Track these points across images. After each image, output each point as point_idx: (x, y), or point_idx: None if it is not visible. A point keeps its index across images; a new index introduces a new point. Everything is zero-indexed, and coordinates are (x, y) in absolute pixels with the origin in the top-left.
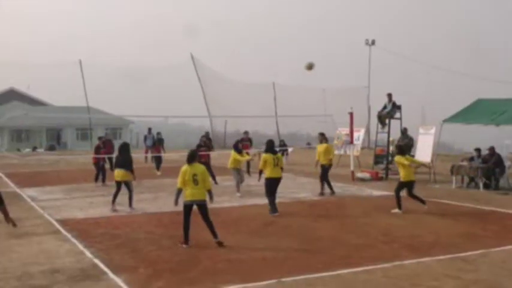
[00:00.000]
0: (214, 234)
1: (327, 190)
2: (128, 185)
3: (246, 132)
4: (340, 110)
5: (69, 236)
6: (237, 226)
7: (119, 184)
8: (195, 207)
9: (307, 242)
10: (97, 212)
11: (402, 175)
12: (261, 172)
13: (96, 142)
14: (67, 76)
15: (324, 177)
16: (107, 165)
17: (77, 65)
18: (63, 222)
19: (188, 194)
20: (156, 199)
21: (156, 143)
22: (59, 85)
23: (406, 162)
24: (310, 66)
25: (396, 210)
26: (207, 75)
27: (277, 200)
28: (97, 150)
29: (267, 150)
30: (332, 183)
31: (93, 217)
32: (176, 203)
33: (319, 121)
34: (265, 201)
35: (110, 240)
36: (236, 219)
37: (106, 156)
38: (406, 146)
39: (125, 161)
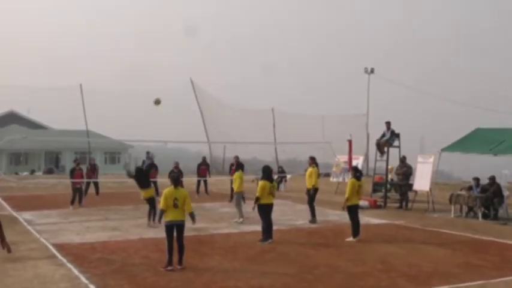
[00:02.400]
0: (180, 260)
1: (319, 217)
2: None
3: (236, 157)
4: (339, 137)
5: (64, 260)
6: (235, 252)
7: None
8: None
9: (304, 269)
10: (94, 236)
11: None
12: (257, 199)
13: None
14: (67, 100)
15: (308, 202)
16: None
17: (77, 89)
18: (59, 247)
19: (168, 215)
20: (153, 224)
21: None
22: (59, 109)
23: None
24: (157, 102)
25: (350, 239)
26: (206, 101)
27: (274, 228)
28: (73, 173)
29: (264, 178)
30: (330, 210)
31: (90, 242)
32: (160, 221)
33: (318, 148)
34: None
35: (106, 265)
36: (234, 246)
37: (92, 180)
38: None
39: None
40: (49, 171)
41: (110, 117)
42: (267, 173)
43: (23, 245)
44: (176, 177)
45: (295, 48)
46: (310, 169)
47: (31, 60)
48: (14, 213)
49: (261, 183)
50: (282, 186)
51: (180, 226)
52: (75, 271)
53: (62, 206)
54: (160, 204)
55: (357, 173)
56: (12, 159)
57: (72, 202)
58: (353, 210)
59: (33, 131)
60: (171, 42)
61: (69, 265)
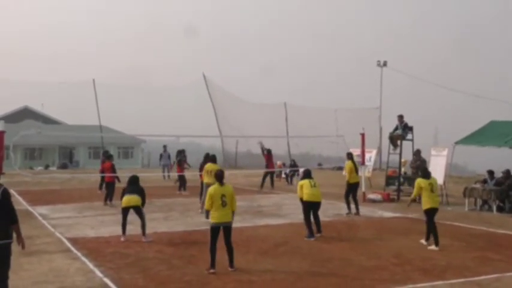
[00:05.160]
0: (231, 262)
1: (333, 211)
2: (139, 212)
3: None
4: (352, 131)
5: (79, 254)
6: (248, 247)
7: (126, 211)
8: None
9: (318, 263)
10: (108, 230)
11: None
12: (301, 200)
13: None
14: (80, 95)
15: (345, 195)
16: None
17: (91, 83)
18: (74, 241)
19: (215, 216)
20: (167, 218)
21: (177, 162)
22: (73, 104)
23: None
24: None
25: (433, 247)
26: (218, 95)
27: (287, 221)
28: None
29: (303, 177)
30: (343, 204)
31: (104, 236)
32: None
33: (331, 142)
34: (276, 221)
35: (120, 259)
36: (247, 240)
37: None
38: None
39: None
40: (63, 166)
41: (123, 112)
42: (306, 173)
43: (38, 239)
44: (221, 174)
45: (304, 42)
46: (346, 165)
47: (42, 54)
48: (29, 208)
49: (299, 182)
50: (294, 179)
51: (227, 228)
52: (90, 265)
53: (77, 201)
54: (205, 204)
55: (424, 173)
56: (27, 154)
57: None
58: (429, 214)
59: (47, 126)
60: (177, 38)
61: (83, 259)
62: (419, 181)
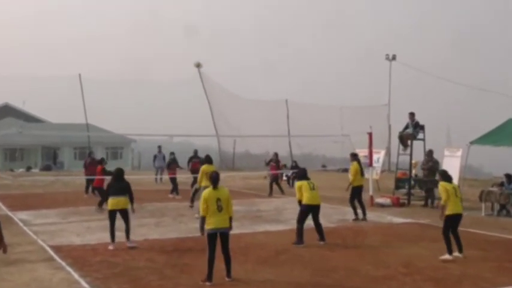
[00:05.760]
0: (229, 272)
1: (337, 216)
2: (125, 215)
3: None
4: (358, 130)
5: (63, 263)
6: (246, 255)
7: (114, 213)
8: None
9: (321, 273)
10: (95, 237)
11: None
12: (300, 202)
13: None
14: (65, 91)
15: (349, 200)
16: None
17: (76, 79)
18: (58, 249)
19: (211, 222)
20: (158, 224)
21: (171, 164)
22: (57, 101)
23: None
24: (198, 65)
25: (446, 257)
26: (215, 91)
27: (288, 228)
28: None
29: (300, 178)
30: (348, 209)
31: (90, 243)
32: (202, 233)
33: (336, 141)
34: (277, 227)
35: (108, 269)
36: (245, 247)
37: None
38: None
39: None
40: (46, 168)
41: (111, 110)
42: (302, 173)
43: (18, 247)
44: (216, 176)
45: (304, 35)
46: (351, 166)
47: (25, 50)
48: (9, 213)
49: (298, 183)
50: (295, 182)
51: (225, 234)
52: (75, 275)
53: (61, 205)
54: (200, 210)
55: (445, 175)
56: (7, 155)
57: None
58: (451, 221)
59: (29, 124)
60: (173, 33)
61: (68, 268)
62: (445, 184)
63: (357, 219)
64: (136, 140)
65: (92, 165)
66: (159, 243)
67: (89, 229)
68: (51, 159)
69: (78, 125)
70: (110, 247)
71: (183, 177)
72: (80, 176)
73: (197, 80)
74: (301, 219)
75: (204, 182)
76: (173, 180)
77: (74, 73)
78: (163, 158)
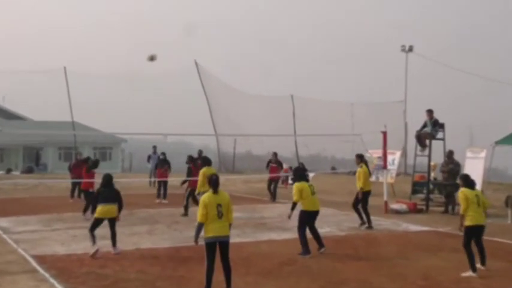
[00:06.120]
0: (229, 283)
1: (348, 224)
2: (113, 223)
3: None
4: (371, 129)
5: (47, 275)
6: (248, 266)
7: (100, 222)
8: None
9: (331, 286)
10: (81, 246)
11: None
12: (295, 205)
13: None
14: (49, 86)
15: (353, 204)
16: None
17: (61, 72)
18: (41, 259)
19: (210, 230)
20: (151, 232)
21: (159, 166)
22: (40, 97)
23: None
24: (152, 58)
25: (469, 273)
26: (213, 86)
27: (294, 236)
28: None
29: (298, 179)
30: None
31: (77, 253)
32: (197, 241)
33: (346, 141)
34: (282, 236)
35: (96, 281)
36: (247, 258)
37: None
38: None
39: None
40: (28, 170)
41: (100, 107)
42: (299, 172)
43: None
44: (216, 180)
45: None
46: (358, 170)
47: (5, 41)
48: None
49: (297, 185)
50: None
51: (225, 243)
52: (60, 287)
53: (44, 211)
54: (198, 216)
55: (467, 181)
56: None
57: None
58: (471, 233)
59: (10, 122)
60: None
61: (52, 280)
62: (465, 191)
63: (364, 223)
64: (127, 140)
65: (77, 167)
66: (152, 253)
67: (75, 237)
68: (33, 161)
69: (64, 123)
70: (93, 250)
71: (176, 179)
72: (65, 179)
73: (194, 73)
74: (302, 228)
75: (206, 187)
76: (164, 184)
77: (59, 66)
78: (159, 158)
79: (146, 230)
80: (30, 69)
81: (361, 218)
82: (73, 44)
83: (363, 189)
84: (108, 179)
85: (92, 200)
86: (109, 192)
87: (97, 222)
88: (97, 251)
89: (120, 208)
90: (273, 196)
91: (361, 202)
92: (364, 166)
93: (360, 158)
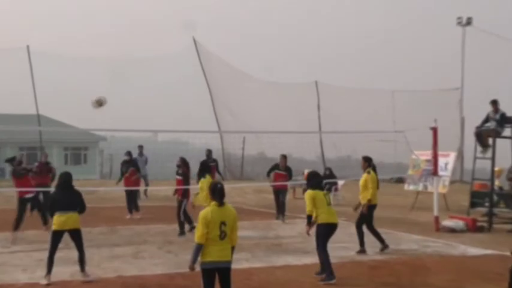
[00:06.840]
0: None
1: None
2: (78, 237)
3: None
4: (418, 124)
5: None
6: None
7: (60, 236)
8: None
9: None
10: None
11: None
12: (310, 217)
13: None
14: (8, 69)
15: (356, 223)
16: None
17: (24, 52)
18: None
19: (209, 253)
20: (137, 255)
21: (123, 170)
22: None
23: None
24: (99, 103)
25: None
26: (216, 69)
27: (316, 260)
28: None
29: (312, 186)
30: (405, 235)
31: (43, 282)
32: (193, 267)
33: (385, 140)
34: (302, 260)
35: None
36: (259, 287)
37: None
38: None
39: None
40: None
41: (73, 96)
42: (316, 180)
43: None
44: (221, 189)
45: None
46: (364, 176)
47: None
48: None
49: (309, 193)
50: (331, 197)
51: (227, 270)
52: None
53: (1, 229)
54: (196, 235)
55: None
56: None
57: (17, 225)
58: None
59: None
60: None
61: None
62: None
63: (386, 247)
64: (107, 138)
65: (42, 172)
66: (138, 282)
67: (41, 262)
68: None
69: (26, 116)
70: (44, 281)
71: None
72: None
73: (192, 53)
74: (322, 245)
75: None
76: (132, 194)
77: (21, 45)
78: (146, 161)
79: (131, 252)
80: None
81: (381, 239)
82: (39, 20)
83: (371, 201)
84: (66, 179)
85: (43, 206)
86: (68, 197)
87: (56, 237)
88: (48, 285)
89: (82, 209)
90: (281, 211)
91: (368, 219)
92: (372, 172)
93: (368, 162)
